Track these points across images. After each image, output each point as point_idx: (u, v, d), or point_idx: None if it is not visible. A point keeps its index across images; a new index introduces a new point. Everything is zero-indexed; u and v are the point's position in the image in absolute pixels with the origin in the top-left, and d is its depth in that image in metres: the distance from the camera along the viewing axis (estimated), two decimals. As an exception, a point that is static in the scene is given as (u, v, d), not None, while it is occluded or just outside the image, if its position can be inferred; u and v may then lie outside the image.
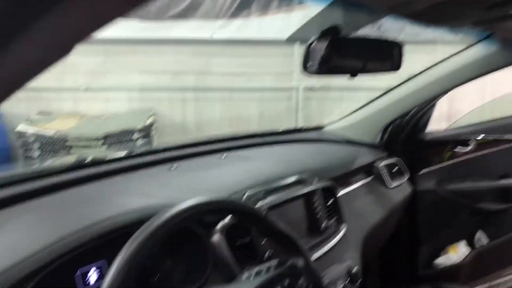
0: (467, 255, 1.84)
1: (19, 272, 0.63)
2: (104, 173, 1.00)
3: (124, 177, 1.02)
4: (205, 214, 0.61)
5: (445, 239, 1.88)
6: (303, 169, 1.18)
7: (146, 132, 3.44)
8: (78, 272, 0.75)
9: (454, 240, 1.91)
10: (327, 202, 1.16)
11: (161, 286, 0.87)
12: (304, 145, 1.50)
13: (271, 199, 0.97)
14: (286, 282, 0.67)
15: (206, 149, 1.24)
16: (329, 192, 1.17)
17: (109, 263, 0.81)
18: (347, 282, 1.00)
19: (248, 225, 0.67)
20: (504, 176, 1.88)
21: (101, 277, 0.81)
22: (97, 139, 3.30)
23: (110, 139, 3.30)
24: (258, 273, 0.73)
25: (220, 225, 0.82)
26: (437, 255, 1.89)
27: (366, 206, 1.36)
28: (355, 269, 1.03)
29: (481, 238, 1.93)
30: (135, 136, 3.38)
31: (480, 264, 1.88)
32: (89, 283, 0.79)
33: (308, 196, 1.10)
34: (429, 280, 1.78)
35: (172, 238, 0.88)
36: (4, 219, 0.78)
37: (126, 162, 1.07)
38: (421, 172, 1.77)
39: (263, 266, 0.78)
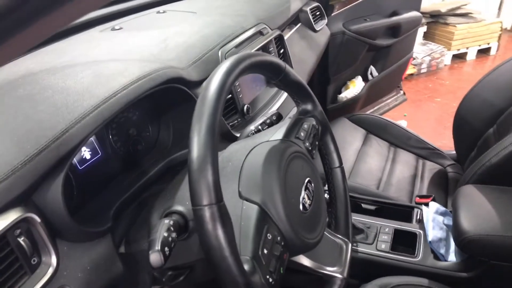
0: (363, 87, 2.14)
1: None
2: None
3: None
4: (246, 71, 0.58)
5: (346, 76, 2.13)
6: (253, 19, 1.14)
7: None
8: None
9: (353, 76, 2.17)
10: (280, 50, 1.18)
11: (148, 152, 0.86)
12: None
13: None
14: (304, 126, 0.73)
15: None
16: (280, 40, 1.19)
17: (97, 138, 0.75)
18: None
19: (270, 76, 0.67)
20: (393, 13, 2.11)
21: (94, 153, 0.75)
22: None
23: None
24: (270, 119, 0.77)
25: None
26: (340, 91, 2.15)
27: (302, 52, 1.42)
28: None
29: (373, 71, 2.23)
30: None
31: (372, 92, 2.22)
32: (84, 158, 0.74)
33: (266, 46, 1.09)
34: (335, 111, 2.05)
35: (158, 100, 0.84)
36: None
37: None
38: (331, 16, 1.87)
39: (272, 113, 0.81)
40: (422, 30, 4.10)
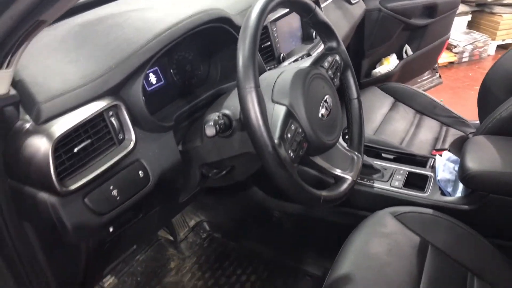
0: (397, 65, 2.24)
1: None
2: None
3: None
4: (280, 5, 0.75)
5: (381, 53, 2.24)
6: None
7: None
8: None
9: (388, 53, 2.28)
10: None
11: (201, 84, 1.05)
12: None
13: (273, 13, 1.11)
14: (328, 59, 0.89)
15: None
16: (317, 3, 1.34)
17: (161, 70, 0.95)
18: None
19: (301, 13, 0.84)
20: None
21: (159, 80, 0.95)
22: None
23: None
24: (301, 57, 0.93)
25: None
26: (375, 66, 2.27)
27: (337, 20, 1.57)
28: None
29: (408, 50, 2.32)
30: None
31: (406, 70, 2.32)
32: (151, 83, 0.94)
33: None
34: (368, 85, 2.17)
35: (209, 43, 1.02)
36: None
37: None
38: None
39: (302, 53, 0.98)
40: (466, 18, 4.07)
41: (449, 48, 3.85)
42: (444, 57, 3.76)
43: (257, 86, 0.65)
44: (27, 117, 0.67)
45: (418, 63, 2.42)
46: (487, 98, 1.51)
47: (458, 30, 4.01)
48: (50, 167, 0.63)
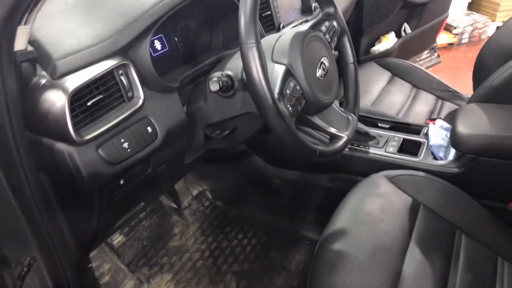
0: (395, 42, 2.28)
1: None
2: None
3: None
4: None
5: (380, 31, 2.27)
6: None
7: None
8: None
9: (387, 31, 2.31)
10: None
11: (203, 52, 1.09)
12: None
13: None
14: (325, 24, 0.93)
15: None
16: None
17: (165, 37, 0.99)
18: None
19: None
20: (430, -29, 2.21)
21: (163, 47, 1.00)
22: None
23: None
24: (300, 24, 0.98)
25: None
26: (373, 44, 2.30)
27: None
28: None
29: (406, 28, 2.35)
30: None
31: (404, 49, 2.35)
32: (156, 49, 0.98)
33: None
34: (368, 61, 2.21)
35: (211, 12, 1.06)
36: None
37: None
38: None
39: (301, 21, 1.02)
40: (467, 0, 4.08)
41: (449, 29, 3.86)
42: (444, 38, 3.78)
43: (258, 42, 0.70)
44: (43, 73, 0.72)
45: (417, 42, 2.45)
46: (482, 71, 1.56)
47: (459, 11, 4.01)
48: (67, 117, 0.68)
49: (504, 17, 3.98)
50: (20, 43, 0.67)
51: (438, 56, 2.85)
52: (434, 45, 2.79)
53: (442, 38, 3.76)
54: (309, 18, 1.33)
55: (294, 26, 1.00)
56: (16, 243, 0.84)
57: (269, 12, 1.15)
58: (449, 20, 3.82)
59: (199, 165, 1.53)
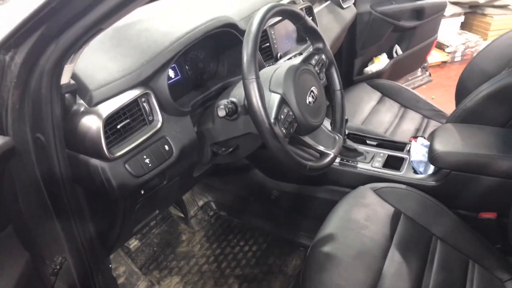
0: (387, 63, 2.44)
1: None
2: None
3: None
4: (276, 14, 0.95)
5: (372, 53, 2.44)
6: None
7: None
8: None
9: (379, 53, 2.47)
10: (309, 16, 1.54)
11: (210, 78, 1.25)
12: None
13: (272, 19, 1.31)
14: (315, 57, 1.09)
15: None
16: (309, 10, 1.55)
17: (178, 67, 1.15)
18: None
19: (293, 21, 1.04)
20: (419, -2, 2.38)
21: (176, 75, 1.16)
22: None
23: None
24: (294, 56, 1.14)
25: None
26: (366, 65, 2.47)
27: (329, 23, 1.77)
28: None
29: (397, 50, 2.52)
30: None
31: (396, 69, 2.52)
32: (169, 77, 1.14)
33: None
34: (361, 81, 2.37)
35: (217, 44, 1.22)
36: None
37: None
38: (359, -3, 2.19)
39: (295, 53, 1.18)
40: (459, 20, 4.25)
41: (442, 47, 4.04)
42: (437, 57, 3.96)
43: (257, 77, 0.85)
44: (81, 101, 0.87)
45: (408, 62, 2.62)
46: (462, 93, 1.71)
47: (452, 31, 4.19)
48: (102, 138, 0.83)
49: (495, 36, 4.11)
50: (65, 78, 0.83)
51: (430, 75, 3.02)
52: (426, 64, 2.95)
53: (436, 57, 3.94)
54: (303, 47, 1.49)
55: (289, 59, 1.16)
56: (51, 244, 0.98)
57: (268, 44, 1.31)
58: (442, 39, 4.00)
59: (205, 178, 1.68)
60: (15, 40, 0.73)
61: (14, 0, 0.77)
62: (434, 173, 1.30)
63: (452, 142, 1.26)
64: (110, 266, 1.20)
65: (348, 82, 2.38)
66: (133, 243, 1.59)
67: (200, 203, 1.84)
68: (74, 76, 0.88)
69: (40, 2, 0.68)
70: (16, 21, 0.71)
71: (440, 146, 1.24)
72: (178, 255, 1.62)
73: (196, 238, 1.70)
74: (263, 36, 1.30)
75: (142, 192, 0.97)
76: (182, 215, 1.78)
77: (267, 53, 1.32)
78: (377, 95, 1.96)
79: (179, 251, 1.63)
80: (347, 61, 2.35)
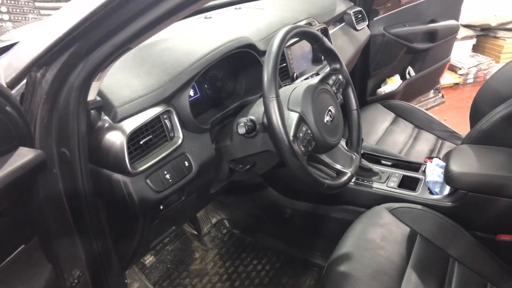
0: (400, 84, 2.46)
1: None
2: None
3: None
4: (295, 35, 0.98)
5: (386, 74, 2.46)
6: (306, 14, 1.54)
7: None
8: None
9: (392, 74, 2.50)
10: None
11: (229, 97, 1.28)
12: None
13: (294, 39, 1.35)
14: (332, 77, 1.12)
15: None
16: (325, 31, 1.58)
17: (197, 85, 1.18)
18: None
19: (311, 42, 1.07)
20: (432, 21, 2.42)
21: (195, 93, 1.18)
22: None
23: None
24: (311, 76, 1.16)
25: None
26: (379, 85, 2.49)
27: (343, 44, 1.80)
28: None
29: (410, 71, 2.54)
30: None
31: (409, 90, 2.53)
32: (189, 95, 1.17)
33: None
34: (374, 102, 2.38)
35: (235, 64, 1.26)
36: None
37: None
38: (373, 19, 2.23)
39: (312, 73, 1.21)
40: (471, 42, 4.28)
41: (455, 69, 4.05)
42: (450, 78, 3.97)
43: (277, 96, 0.87)
44: (106, 117, 0.90)
45: (421, 84, 2.63)
46: (477, 114, 1.71)
47: (464, 53, 4.21)
48: (125, 154, 0.86)
49: (507, 59, 4.17)
50: (92, 95, 0.86)
51: (442, 96, 3.02)
52: (438, 86, 2.96)
53: (448, 78, 3.95)
54: (319, 67, 1.52)
55: (306, 78, 1.18)
56: (70, 257, 1.00)
57: (285, 64, 1.34)
58: (454, 61, 4.02)
59: (220, 195, 1.69)
60: (47, 58, 0.76)
61: (48, 19, 0.81)
62: (450, 194, 1.29)
63: (468, 163, 1.25)
64: (126, 281, 1.20)
65: (361, 102, 2.39)
66: (148, 259, 1.60)
67: (214, 220, 1.84)
68: (99, 93, 0.91)
69: (74, 23, 0.71)
70: (49, 40, 0.75)
71: (456, 167, 1.24)
72: (192, 272, 1.62)
73: (209, 255, 1.70)
74: (281, 56, 1.33)
75: (161, 207, 0.98)
76: (196, 232, 1.78)
77: (283, 73, 1.35)
78: (390, 115, 1.97)
79: (192, 268, 1.63)
80: (361, 81, 2.37)
